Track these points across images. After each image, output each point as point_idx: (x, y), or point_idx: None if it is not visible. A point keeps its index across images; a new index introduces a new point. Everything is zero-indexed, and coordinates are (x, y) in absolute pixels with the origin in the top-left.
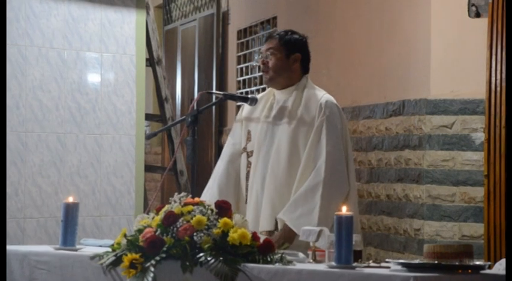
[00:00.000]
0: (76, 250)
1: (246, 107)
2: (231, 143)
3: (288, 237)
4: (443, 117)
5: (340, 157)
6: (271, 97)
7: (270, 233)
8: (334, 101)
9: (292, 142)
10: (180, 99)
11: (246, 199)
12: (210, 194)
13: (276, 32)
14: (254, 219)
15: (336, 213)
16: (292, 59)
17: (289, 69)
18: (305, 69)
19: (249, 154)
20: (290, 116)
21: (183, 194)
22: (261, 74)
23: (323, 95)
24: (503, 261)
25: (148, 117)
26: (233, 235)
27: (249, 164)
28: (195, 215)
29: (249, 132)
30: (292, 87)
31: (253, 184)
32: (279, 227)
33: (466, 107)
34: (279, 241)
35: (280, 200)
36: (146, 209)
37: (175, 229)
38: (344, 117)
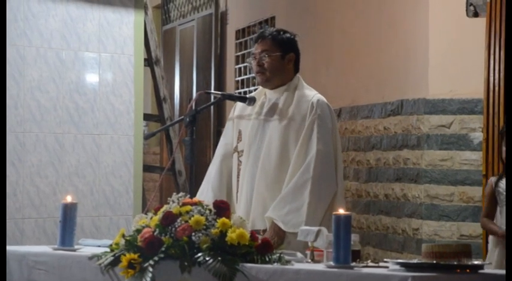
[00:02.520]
0: (74, 250)
1: (237, 106)
2: (223, 144)
3: (278, 236)
4: (442, 117)
5: (330, 155)
6: (262, 96)
7: (263, 232)
8: (326, 101)
9: (283, 140)
10: (178, 99)
11: (237, 199)
12: (204, 196)
13: (266, 32)
14: (245, 217)
15: (334, 213)
16: (287, 59)
17: (284, 69)
18: (296, 69)
19: (240, 154)
20: (281, 114)
21: (181, 194)
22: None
23: (315, 95)
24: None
25: (146, 117)
26: (231, 235)
27: (239, 163)
28: (193, 215)
29: (239, 132)
30: (284, 87)
31: (244, 183)
32: (267, 225)
33: (464, 107)
34: (272, 240)
35: (272, 198)
36: (145, 209)
37: (173, 229)
38: (335, 118)
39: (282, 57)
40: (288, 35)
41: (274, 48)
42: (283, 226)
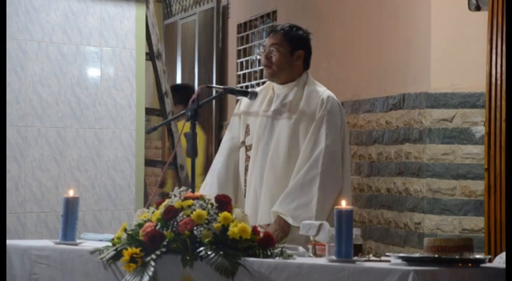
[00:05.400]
0: (76, 245)
1: (243, 101)
2: (229, 137)
3: (283, 230)
4: (444, 110)
5: (337, 152)
6: (270, 91)
7: (267, 226)
8: (336, 98)
9: (292, 136)
10: None
11: (245, 193)
12: (209, 188)
13: (279, 26)
14: (252, 212)
15: (336, 207)
16: (296, 55)
17: (292, 65)
18: (306, 66)
19: (248, 148)
20: (290, 110)
21: (183, 188)
22: (261, 68)
23: (324, 91)
24: (503, 254)
25: (148, 111)
26: (233, 229)
27: (247, 158)
28: (195, 210)
29: (247, 127)
30: (293, 83)
31: (252, 178)
32: (272, 220)
33: (466, 101)
34: (275, 234)
35: (279, 193)
36: (146, 204)
37: (175, 223)
38: (344, 115)
39: (290, 53)
40: (300, 32)
41: (284, 43)
42: (292, 220)
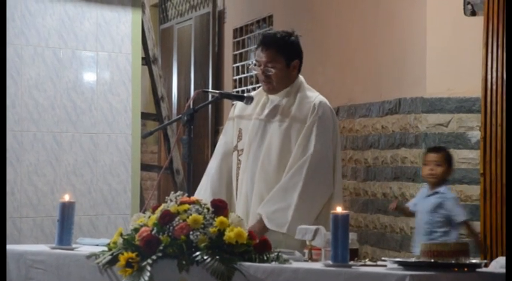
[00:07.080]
0: (72, 249)
1: (238, 105)
2: (223, 142)
3: (260, 230)
4: (440, 115)
5: (328, 157)
6: (263, 96)
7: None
8: (328, 103)
9: (284, 140)
10: (176, 98)
11: (236, 197)
12: (203, 193)
13: (269, 38)
14: (243, 216)
15: (332, 212)
16: (292, 66)
17: (289, 76)
18: (299, 70)
19: (239, 153)
20: (283, 114)
21: (179, 193)
22: (256, 72)
23: (317, 96)
24: (499, 259)
25: (144, 116)
26: (229, 234)
27: (239, 162)
28: (191, 214)
29: (240, 131)
30: (286, 89)
31: (243, 182)
32: (257, 219)
33: (462, 105)
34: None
35: None
36: (142, 208)
37: (171, 228)
38: (336, 121)
39: (287, 66)
40: (291, 39)
41: (279, 58)
42: (267, 222)
